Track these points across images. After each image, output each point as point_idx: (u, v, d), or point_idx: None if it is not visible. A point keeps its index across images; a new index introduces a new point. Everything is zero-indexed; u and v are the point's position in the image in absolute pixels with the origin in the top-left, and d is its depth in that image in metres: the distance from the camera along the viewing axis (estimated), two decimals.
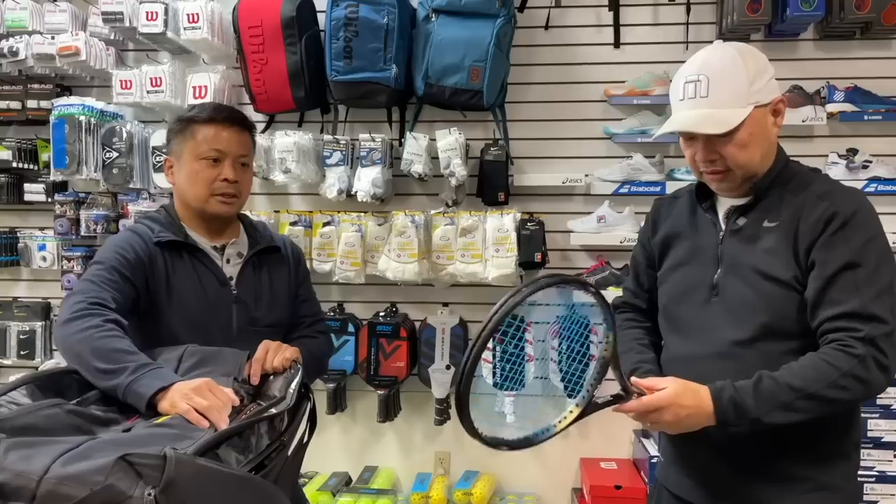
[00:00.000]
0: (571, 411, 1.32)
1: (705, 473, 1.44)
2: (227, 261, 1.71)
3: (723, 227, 1.44)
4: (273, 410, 1.22)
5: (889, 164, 2.61)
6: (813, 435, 1.32)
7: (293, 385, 1.33)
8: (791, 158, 1.45)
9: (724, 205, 1.47)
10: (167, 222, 1.68)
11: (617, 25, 2.76)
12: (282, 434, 1.21)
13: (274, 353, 1.48)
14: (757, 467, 1.36)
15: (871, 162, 2.60)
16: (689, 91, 1.35)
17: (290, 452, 1.24)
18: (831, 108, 2.62)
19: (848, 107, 2.62)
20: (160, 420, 1.17)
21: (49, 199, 2.97)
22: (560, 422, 1.31)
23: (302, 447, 1.38)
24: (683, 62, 1.43)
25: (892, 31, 2.62)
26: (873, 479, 2.42)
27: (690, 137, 1.39)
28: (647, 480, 2.55)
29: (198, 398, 1.21)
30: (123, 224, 2.80)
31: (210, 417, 1.19)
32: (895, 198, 2.61)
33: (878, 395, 2.41)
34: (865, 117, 2.62)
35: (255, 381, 1.41)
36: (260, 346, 1.51)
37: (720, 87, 1.33)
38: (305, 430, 1.40)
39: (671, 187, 2.61)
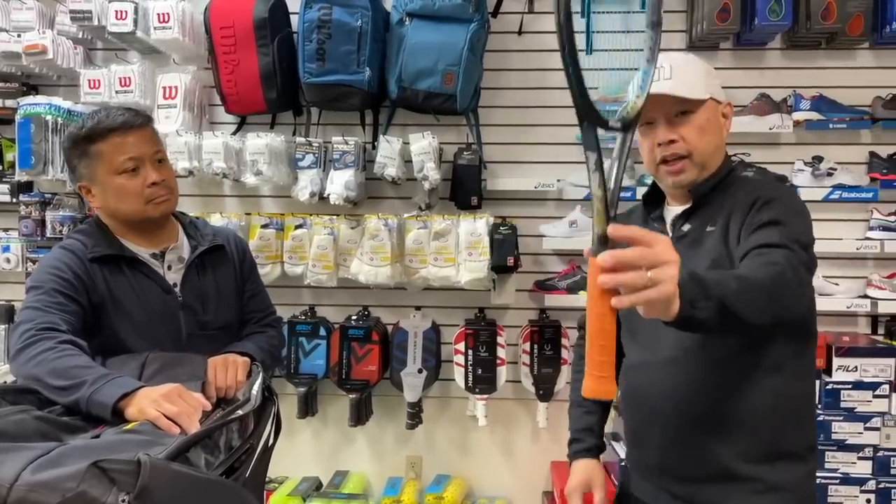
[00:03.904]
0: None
1: (661, 476, 1.44)
2: (169, 267, 1.65)
3: (669, 233, 1.47)
4: (240, 412, 1.21)
5: (853, 172, 2.68)
6: (763, 436, 1.35)
7: (256, 386, 1.32)
8: (743, 163, 1.51)
9: (670, 213, 1.51)
10: (99, 236, 1.62)
11: (589, 32, 2.79)
12: (250, 436, 1.19)
13: (224, 373, 1.45)
14: (708, 468, 1.37)
15: (835, 169, 2.66)
16: (654, 76, 1.37)
17: (256, 456, 1.22)
18: (797, 116, 2.67)
19: (814, 115, 2.67)
20: (129, 426, 1.15)
21: (14, 200, 2.90)
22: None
23: (267, 451, 1.36)
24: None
25: (856, 41, 2.69)
26: (837, 482, 2.47)
27: (649, 124, 1.42)
28: (616, 483, 2.57)
29: (167, 404, 1.19)
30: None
31: (181, 423, 1.17)
32: (858, 205, 2.68)
33: (834, 387, 2.47)
34: (830, 125, 2.68)
35: (209, 404, 1.33)
36: (208, 366, 1.47)
37: (682, 72, 1.40)
38: (270, 433, 1.39)
39: (641, 192, 2.63)
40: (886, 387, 2.50)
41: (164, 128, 2.70)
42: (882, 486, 2.49)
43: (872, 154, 2.72)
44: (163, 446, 1.03)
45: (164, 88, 2.74)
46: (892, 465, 2.50)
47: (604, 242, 0.86)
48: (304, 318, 2.80)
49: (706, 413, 1.36)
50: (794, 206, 1.35)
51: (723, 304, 1.03)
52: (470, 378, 2.71)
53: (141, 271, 1.61)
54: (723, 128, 1.47)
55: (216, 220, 2.66)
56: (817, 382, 2.40)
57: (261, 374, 1.39)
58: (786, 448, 1.37)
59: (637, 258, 0.84)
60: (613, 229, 0.86)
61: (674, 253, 0.88)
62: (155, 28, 2.67)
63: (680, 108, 1.40)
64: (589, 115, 0.95)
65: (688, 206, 1.46)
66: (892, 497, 2.49)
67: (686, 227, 1.44)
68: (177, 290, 1.63)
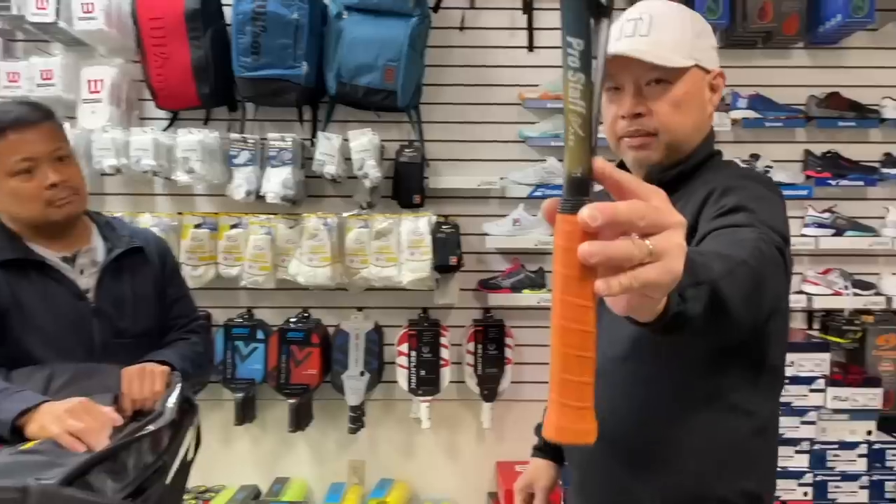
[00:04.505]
0: None
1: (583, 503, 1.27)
2: (81, 271, 1.54)
3: None
4: (151, 427, 1.11)
5: (788, 170, 2.72)
6: (688, 478, 1.11)
7: (172, 398, 1.23)
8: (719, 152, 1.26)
9: None
10: (3, 239, 1.49)
11: (531, 28, 2.77)
12: (163, 453, 1.11)
13: (140, 384, 1.35)
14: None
15: (771, 167, 2.69)
16: (628, 29, 1.16)
17: (171, 474, 1.14)
18: (735, 114, 2.69)
19: (750, 113, 2.70)
20: (27, 446, 1.06)
21: None
22: None
23: (185, 466, 1.27)
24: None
25: (791, 40, 2.72)
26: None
27: (616, 90, 1.18)
28: (562, 484, 2.55)
29: (71, 420, 1.10)
30: None
31: (87, 441, 1.08)
32: (794, 202, 2.71)
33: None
34: (766, 124, 2.71)
35: (120, 419, 1.24)
36: (123, 377, 1.37)
37: (663, 29, 1.14)
38: (190, 447, 1.29)
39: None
40: (822, 381, 2.54)
41: (89, 123, 2.57)
42: (819, 478, 2.53)
43: (807, 152, 2.77)
44: (62, 468, 0.94)
45: (90, 82, 2.61)
46: (828, 459, 2.55)
47: (583, 190, 0.54)
48: (240, 321, 2.70)
49: (625, 441, 1.12)
50: (760, 193, 1.07)
51: (713, 293, 0.75)
52: (413, 380, 2.66)
53: (50, 276, 1.49)
54: (707, 103, 1.19)
55: (146, 219, 2.55)
56: None
57: (179, 385, 1.29)
58: (717, 494, 1.11)
59: (634, 216, 0.52)
60: (602, 166, 0.54)
61: (676, 213, 0.55)
62: (79, 18, 2.53)
63: (654, 76, 1.14)
64: None
65: None
66: (829, 490, 2.54)
67: None
68: (90, 295, 1.52)
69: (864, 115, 2.71)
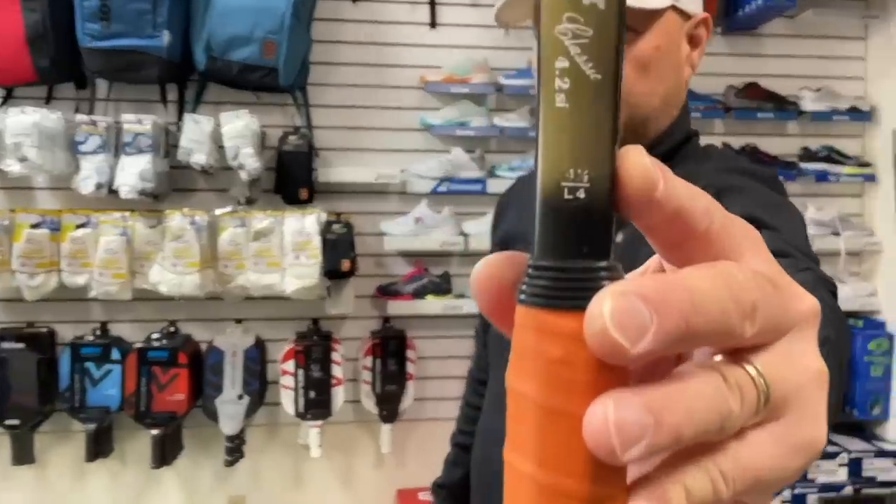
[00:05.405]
0: None
1: None
2: None
3: None
4: None
5: None
6: None
7: None
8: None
9: None
10: None
11: (433, 3, 2.47)
12: None
13: None
14: None
15: None
16: None
17: None
18: None
19: None
20: None
21: None
22: None
23: None
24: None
25: None
26: None
27: None
28: None
29: None
30: None
31: None
32: None
33: None
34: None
35: None
36: None
37: None
38: None
39: (494, 186, 2.36)
40: None
41: None
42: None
43: (725, 145, 2.61)
44: None
45: None
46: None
47: (593, 239, 0.21)
48: (91, 338, 2.27)
49: None
50: (772, 199, 0.80)
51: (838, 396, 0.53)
52: (301, 402, 2.31)
53: None
54: (684, 62, 0.89)
55: None
56: None
57: None
58: None
59: (734, 308, 0.20)
60: (646, 166, 0.21)
61: (798, 287, 0.23)
62: None
63: None
64: None
65: None
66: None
67: (619, 236, 0.84)
68: None
69: (783, 106, 2.58)
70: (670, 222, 0.21)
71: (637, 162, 0.21)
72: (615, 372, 0.20)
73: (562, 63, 0.21)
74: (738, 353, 0.21)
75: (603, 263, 0.21)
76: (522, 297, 0.21)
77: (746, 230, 0.23)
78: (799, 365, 0.22)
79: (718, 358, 0.21)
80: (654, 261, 0.27)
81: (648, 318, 0.18)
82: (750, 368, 0.21)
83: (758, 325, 0.20)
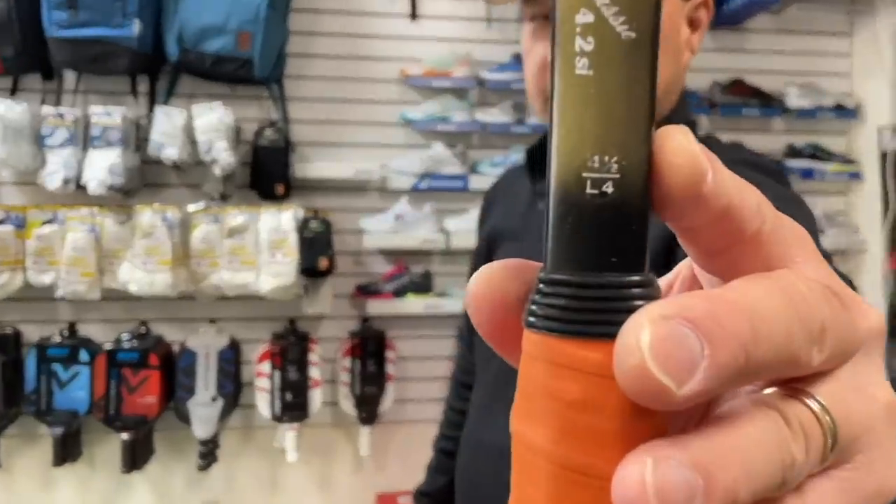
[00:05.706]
0: None
1: None
2: None
3: None
4: None
5: None
6: None
7: None
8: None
9: None
10: None
11: None
12: None
13: None
14: None
15: None
16: None
17: None
18: None
19: None
20: None
21: None
22: None
23: None
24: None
25: None
26: None
27: (546, 20, 0.82)
28: None
29: None
30: None
31: None
32: None
33: None
34: None
35: None
36: None
37: None
38: None
39: (475, 182, 2.31)
40: None
41: None
42: None
43: None
44: None
45: None
46: None
47: (625, 250, 0.17)
48: (59, 339, 2.19)
49: None
50: (787, 199, 0.74)
51: None
52: (277, 405, 2.25)
53: None
54: (683, 46, 0.82)
55: None
56: None
57: None
58: None
59: (799, 333, 0.16)
60: (694, 153, 0.17)
61: (862, 301, 0.19)
62: None
63: None
64: None
65: None
66: None
67: None
68: None
69: (768, 103, 2.55)
70: (716, 223, 0.17)
71: (681, 146, 0.16)
72: (652, 418, 0.15)
73: (585, 17, 0.16)
74: (795, 383, 0.16)
75: (637, 278, 0.16)
76: (531, 319, 0.17)
77: (795, 230, 0.19)
78: (867, 396, 0.17)
79: (770, 389, 0.16)
80: (684, 268, 0.21)
81: (699, 351, 0.14)
82: (812, 403, 0.16)
83: (827, 352, 0.16)
